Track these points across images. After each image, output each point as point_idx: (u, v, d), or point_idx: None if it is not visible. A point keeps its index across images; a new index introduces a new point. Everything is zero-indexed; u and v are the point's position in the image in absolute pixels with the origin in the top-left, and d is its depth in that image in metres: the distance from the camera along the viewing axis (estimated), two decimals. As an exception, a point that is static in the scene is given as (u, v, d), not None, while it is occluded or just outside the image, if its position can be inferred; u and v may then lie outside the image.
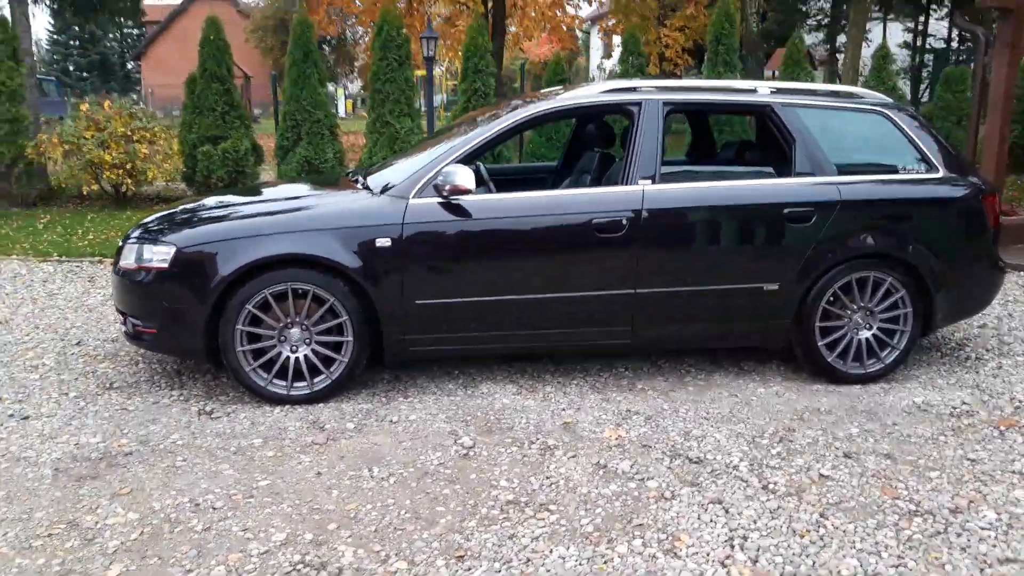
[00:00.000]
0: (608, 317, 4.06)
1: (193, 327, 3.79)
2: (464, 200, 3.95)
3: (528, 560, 2.66)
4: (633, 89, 4.26)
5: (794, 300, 4.16)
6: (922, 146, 4.34)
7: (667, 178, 4.12)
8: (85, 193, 9.14)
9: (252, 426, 3.68)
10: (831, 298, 4.18)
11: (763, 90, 4.42)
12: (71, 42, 52.43)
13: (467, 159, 4.01)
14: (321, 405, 3.91)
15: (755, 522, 2.90)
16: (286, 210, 4.03)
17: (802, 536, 2.81)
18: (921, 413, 3.92)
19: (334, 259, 3.77)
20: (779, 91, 4.41)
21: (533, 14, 14.04)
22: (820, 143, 4.24)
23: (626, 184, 4.06)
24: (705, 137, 5.51)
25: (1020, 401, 4.06)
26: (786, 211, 4.09)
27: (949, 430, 3.71)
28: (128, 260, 3.96)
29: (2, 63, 8.82)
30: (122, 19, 54.69)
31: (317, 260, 3.77)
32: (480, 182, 4.36)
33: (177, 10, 46.63)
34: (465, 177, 3.78)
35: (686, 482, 3.19)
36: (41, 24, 61.54)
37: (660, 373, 4.43)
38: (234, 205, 4.23)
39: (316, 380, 3.91)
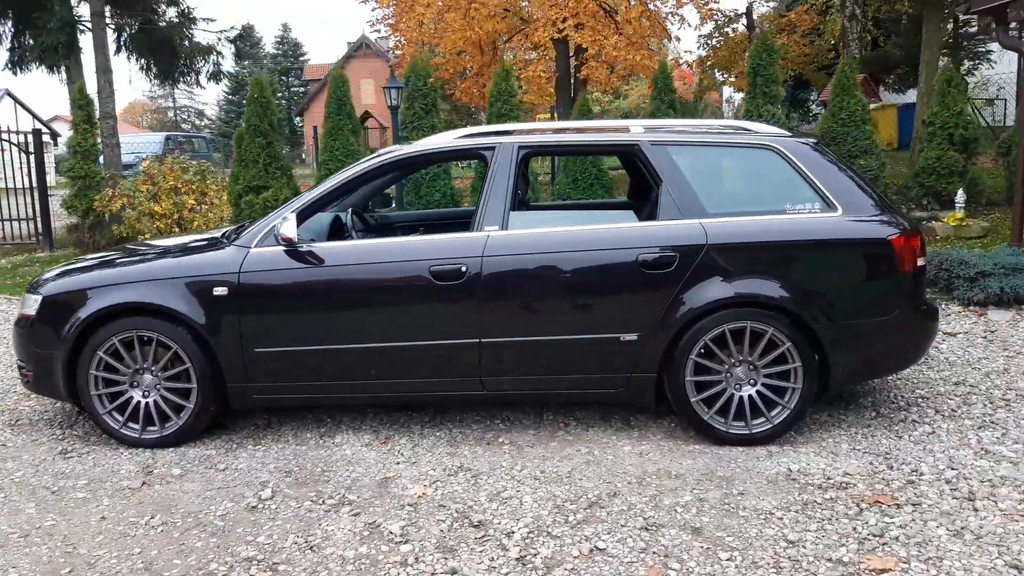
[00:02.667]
0: (455, 366, 3.90)
1: (56, 371, 4.01)
2: (316, 247, 3.96)
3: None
4: (487, 134, 4.12)
5: (658, 351, 3.82)
6: (818, 183, 3.88)
7: (518, 223, 3.93)
8: (148, 241, 10.00)
9: (91, 468, 3.83)
10: (702, 350, 3.80)
11: (636, 129, 4.14)
12: (243, 101, 57.87)
13: (312, 208, 4.03)
14: (169, 450, 4.00)
15: (473, 598, 2.66)
16: (140, 261, 4.20)
17: (508, 618, 2.55)
18: (785, 483, 3.45)
19: (174, 308, 3.87)
20: (652, 129, 4.12)
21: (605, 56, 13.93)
22: (692, 183, 3.91)
23: (475, 230, 3.92)
24: (639, 180, 5.21)
25: (920, 475, 3.48)
26: (640, 256, 3.77)
27: (798, 505, 3.24)
28: (20, 309, 4.27)
29: (78, 126, 9.87)
30: (288, 77, 59.77)
31: (159, 309, 3.90)
32: (339, 230, 4.34)
33: (335, 68, 50.33)
34: (287, 227, 3.79)
35: (443, 548, 2.98)
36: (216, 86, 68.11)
37: (535, 426, 4.18)
38: (113, 257, 4.45)
39: (167, 425, 4.01)
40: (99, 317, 3.92)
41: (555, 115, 16.11)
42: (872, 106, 17.07)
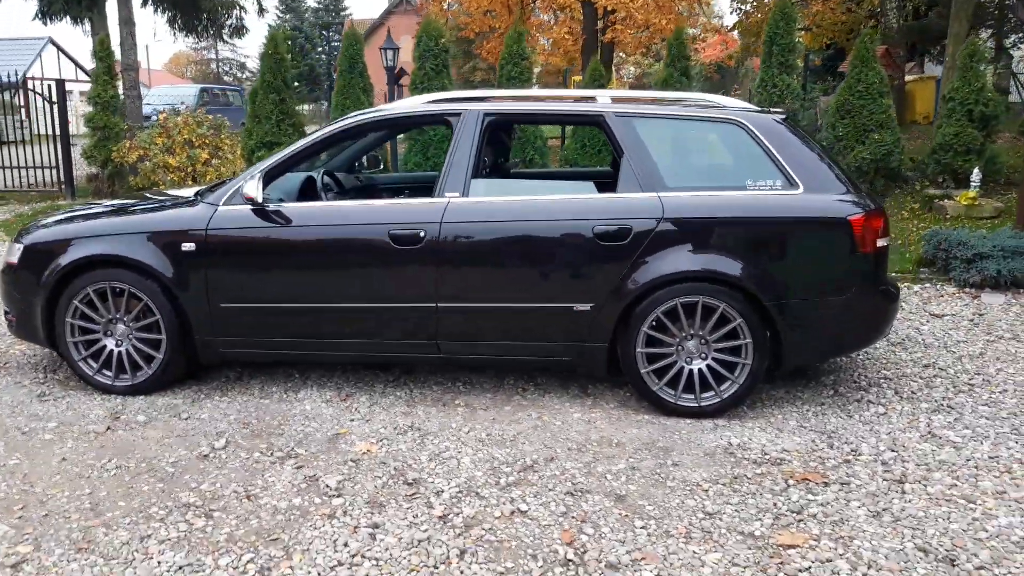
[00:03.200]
0: (412, 329, 3.99)
1: (36, 317, 4.19)
2: (284, 207, 4.06)
3: (137, 560, 2.73)
4: (454, 100, 4.15)
5: (610, 323, 3.86)
6: (781, 160, 3.85)
7: (480, 191, 3.97)
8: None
9: (63, 411, 4.01)
10: (654, 323, 3.84)
11: (602, 99, 4.13)
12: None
13: (279, 168, 4.11)
14: (140, 398, 4.17)
15: (388, 550, 2.78)
16: (117, 214, 4.34)
17: (415, 571, 2.66)
18: (722, 456, 3.50)
19: (144, 261, 4.01)
20: (619, 100, 4.10)
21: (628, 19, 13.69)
22: (653, 156, 3.90)
23: (437, 196, 3.97)
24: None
25: (858, 455, 3.50)
26: (596, 228, 3.80)
27: (727, 478, 3.29)
28: (6, 256, 4.45)
29: (99, 77, 10.06)
30: (329, 32, 59.72)
31: (130, 261, 4.04)
32: (309, 191, 4.42)
33: (375, 24, 50.15)
34: (250, 186, 3.88)
35: (372, 503, 3.10)
36: (259, 39, 68.25)
37: (494, 390, 4.27)
38: (95, 209, 4.60)
39: (138, 374, 4.18)
40: (75, 267, 4.07)
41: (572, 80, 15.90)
42: (909, 78, 16.60)
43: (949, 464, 3.40)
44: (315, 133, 4.18)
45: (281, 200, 4.15)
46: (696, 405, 3.88)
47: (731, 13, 17.51)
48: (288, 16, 60.07)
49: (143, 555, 2.77)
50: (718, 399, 3.87)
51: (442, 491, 3.19)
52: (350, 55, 9.74)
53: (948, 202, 8.46)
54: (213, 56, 70.41)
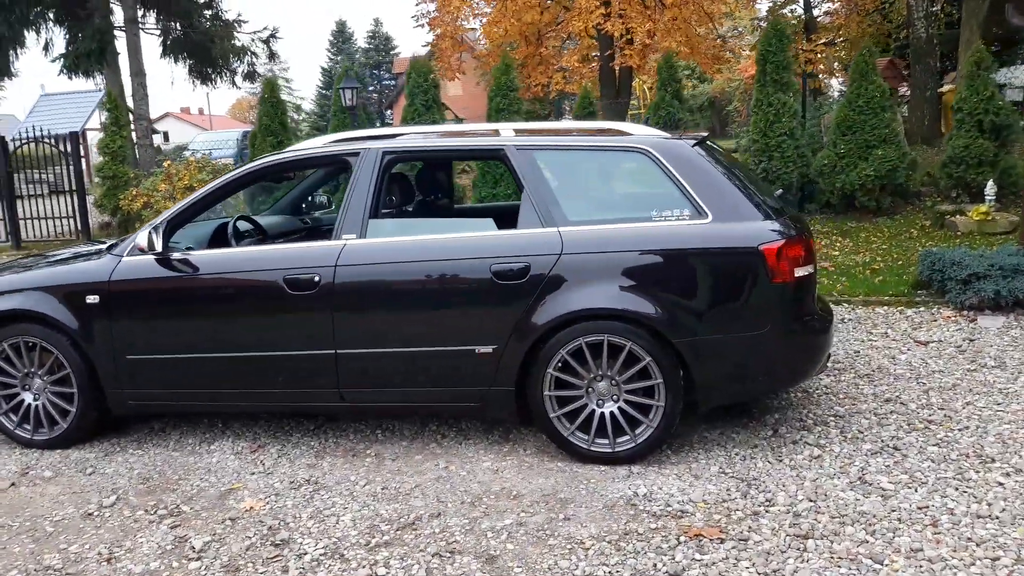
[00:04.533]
0: (314, 378, 3.85)
1: (-42, 373, 4.22)
2: (191, 256, 4.00)
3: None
4: (355, 139, 4.04)
5: (515, 365, 3.66)
6: (688, 188, 3.61)
7: (378, 232, 3.84)
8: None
9: (-23, 467, 4.01)
10: (559, 364, 3.62)
11: (505, 132, 3.97)
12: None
13: (182, 217, 4.05)
14: (57, 451, 4.13)
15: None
16: (28, 269, 4.34)
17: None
18: (622, 509, 3.24)
19: (52, 315, 3.99)
20: (522, 132, 3.94)
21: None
22: (554, 189, 3.71)
23: (333, 239, 3.86)
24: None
25: (771, 506, 3.20)
26: (494, 266, 3.62)
27: (616, 535, 3.03)
28: None
29: (108, 128, 10.38)
30: (380, 70, 61.11)
31: (39, 315, 4.03)
32: (222, 238, 4.34)
33: (420, 60, 51.03)
34: (142, 236, 3.86)
35: (229, 568, 2.94)
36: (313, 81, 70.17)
37: (412, 437, 4.09)
38: (13, 264, 4.63)
39: (55, 428, 4.14)
40: (-11, 323, 4.09)
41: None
42: (943, 88, 15.93)
43: (869, 516, 3.07)
44: (220, 179, 4.13)
45: (190, 248, 4.09)
46: (611, 451, 3.64)
47: (752, 33, 17.13)
48: (339, 57, 61.70)
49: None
50: (633, 444, 3.61)
51: (306, 553, 3.02)
52: (420, 87, 9.66)
53: (960, 218, 7.98)
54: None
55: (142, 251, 3.87)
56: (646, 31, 12.98)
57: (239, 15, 14.56)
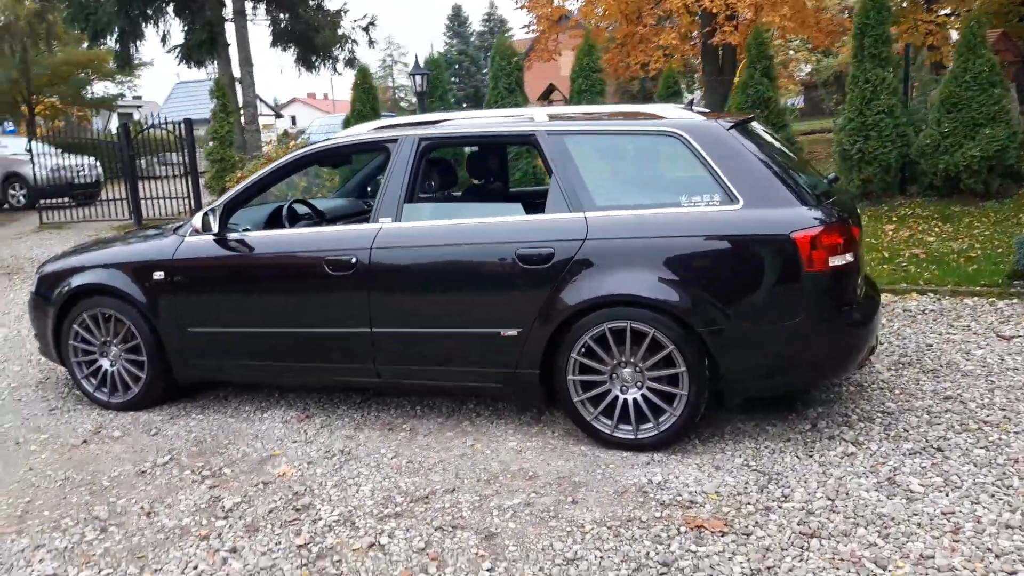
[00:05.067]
0: (352, 354, 4.02)
1: (48, 338, 4.67)
2: (248, 236, 4.25)
3: (17, 567, 2.96)
4: (396, 126, 4.15)
5: (539, 349, 3.69)
6: (720, 172, 3.50)
7: (413, 216, 3.95)
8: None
9: (61, 425, 4.40)
10: (583, 349, 3.63)
11: (540, 117, 3.97)
12: (452, 79, 60.75)
13: (238, 200, 4.29)
14: (130, 413, 4.51)
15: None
16: (106, 246, 4.72)
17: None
18: (632, 496, 3.23)
19: (123, 289, 4.35)
20: (556, 117, 3.92)
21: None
22: (582, 174, 3.69)
23: (372, 222, 4.00)
24: None
25: (785, 501, 3.10)
26: (519, 250, 3.65)
27: (617, 521, 3.03)
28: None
29: (216, 115, 11.03)
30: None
31: (112, 290, 4.39)
32: (273, 220, 4.55)
33: (532, 45, 51.23)
34: (198, 218, 4.13)
35: (250, 528, 3.15)
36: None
37: (450, 414, 4.19)
38: (103, 240, 5.03)
39: (128, 392, 4.52)
40: (71, 296, 4.49)
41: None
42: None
43: (886, 519, 2.93)
44: (270, 165, 4.34)
45: (247, 230, 4.34)
46: (633, 437, 3.62)
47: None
48: (455, 41, 62.54)
49: (25, 563, 3.00)
50: (656, 431, 3.58)
51: (320, 519, 3.19)
52: (506, 71, 9.83)
53: (1078, 203, 7.31)
54: (391, 84, 74.88)
55: (197, 232, 4.15)
56: (749, 4, 12.47)
57: (344, 4, 15.03)
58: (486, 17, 63.61)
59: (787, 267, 3.39)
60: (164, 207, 12.41)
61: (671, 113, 3.81)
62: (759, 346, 3.46)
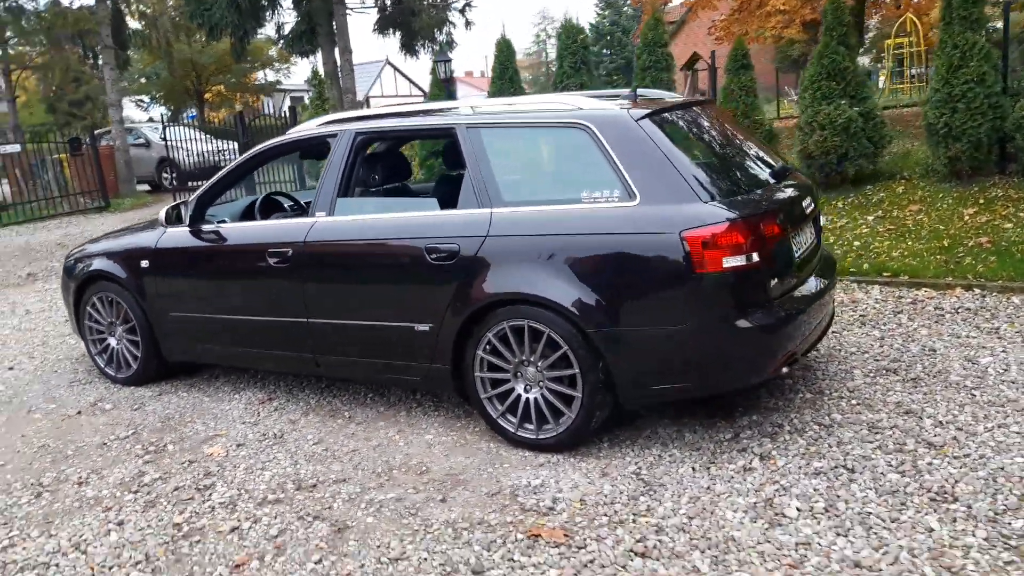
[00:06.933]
0: (295, 344, 4.21)
1: (72, 318, 5.23)
2: (222, 228, 4.54)
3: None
4: (341, 120, 4.24)
5: (449, 344, 3.70)
6: (623, 168, 3.33)
7: (344, 210, 4.05)
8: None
9: (72, 396, 4.92)
10: (488, 347, 3.60)
11: (464, 110, 3.92)
12: (604, 51, 60.13)
13: (210, 194, 4.57)
14: (131, 388, 4.96)
15: (105, 546, 3.09)
16: (115, 236, 5.17)
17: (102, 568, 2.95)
18: (501, 498, 3.20)
19: (119, 276, 4.78)
20: (477, 110, 3.86)
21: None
22: (493, 169, 3.63)
23: (310, 215, 4.14)
24: None
25: (645, 514, 2.97)
26: (427, 246, 3.66)
27: (465, 524, 3.02)
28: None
29: (313, 101, 11.62)
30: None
31: (112, 276, 4.84)
32: (246, 214, 4.81)
33: (688, 10, 49.66)
34: (162, 211, 4.45)
35: (148, 503, 3.41)
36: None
37: (394, 404, 4.31)
38: (122, 229, 5.52)
39: (128, 369, 4.97)
40: (83, 280, 5.00)
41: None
42: None
43: (732, 544, 2.73)
44: (235, 162, 4.59)
45: (222, 221, 4.63)
46: (534, 437, 3.57)
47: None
48: (606, 12, 61.64)
49: (-38, 517, 3.44)
50: (555, 432, 3.52)
51: (209, 500, 3.41)
52: (501, 61, 9.91)
53: None
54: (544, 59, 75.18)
55: (162, 224, 4.50)
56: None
57: (450, -13, 15.41)
58: (634, -16, 61.93)
59: (677, 268, 3.19)
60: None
61: (588, 103, 3.65)
62: (649, 351, 3.29)
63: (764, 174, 3.76)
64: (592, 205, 3.38)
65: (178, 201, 4.77)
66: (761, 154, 4.02)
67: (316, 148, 4.37)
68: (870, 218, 7.30)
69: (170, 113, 32.87)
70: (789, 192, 3.73)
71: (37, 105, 37.37)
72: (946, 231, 6.52)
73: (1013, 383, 3.86)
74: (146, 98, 37.07)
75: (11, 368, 5.61)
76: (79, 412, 4.65)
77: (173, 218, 4.71)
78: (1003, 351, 4.30)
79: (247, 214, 4.84)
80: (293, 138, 4.46)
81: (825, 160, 8.12)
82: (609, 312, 3.30)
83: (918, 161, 8.44)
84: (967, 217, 6.75)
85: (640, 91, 4.05)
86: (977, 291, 5.34)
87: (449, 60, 10.26)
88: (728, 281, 3.17)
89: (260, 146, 4.55)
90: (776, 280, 3.35)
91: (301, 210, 5.03)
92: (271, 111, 16.52)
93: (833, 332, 4.88)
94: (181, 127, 15.53)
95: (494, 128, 3.74)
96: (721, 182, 3.40)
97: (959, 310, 5.05)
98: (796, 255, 3.56)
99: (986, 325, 4.72)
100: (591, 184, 3.42)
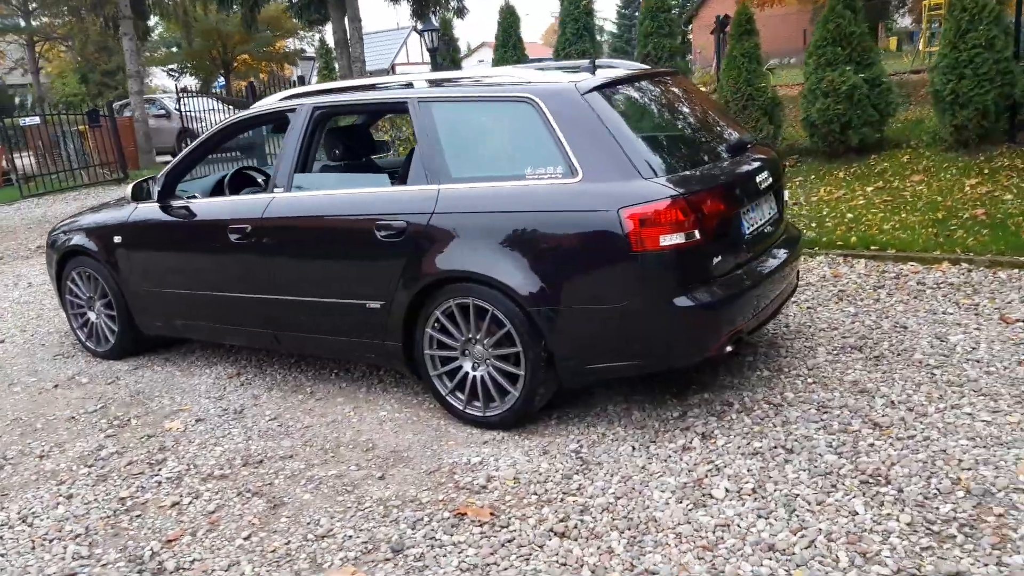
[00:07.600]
0: (257, 318, 4.24)
1: (56, 291, 5.33)
2: (192, 204, 4.57)
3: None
4: (297, 95, 4.21)
5: (399, 322, 3.70)
6: (566, 144, 3.27)
7: (301, 186, 4.04)
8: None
9: (52, 371, 5.02)
10: (436, 324, 3.60)
11: (420, 84, 3.87)
12: (634, 14, 58.96)
13: (177, 170, 4.59)
14: (108, 361, 5.06)
15: (53, 520, 3.17)
16: (94, 212, 5.23)
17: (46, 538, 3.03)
18: (438, 476, 3.21)
19: (95, 251, 4.85)
20: (433, 83, 3.81)
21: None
22: (443, 144, 3.59)
23: (268, 192, 4.15)
24: None
25: (575, 494, 2.96)
26: (377, 223, 3.65)
27: (396, 501, 3.04)
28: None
29: (321, 71, 11.59)
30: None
31: (88, 251, 4.91)
32: (223, 187, 4.83)
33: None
34: (128, 187, 4.48)
35: (100, 476, 3.49)
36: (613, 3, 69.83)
37: (357, 380, 4.33)
38: (92, 208, 5.57)
39: (107, 343, 5.06)
40: (64, 254, 5.09)
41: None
42: None
43: (652, 524, 2.71)
44: (201, 137, 4.60)
45: (193, 196, 4.66)
46: (481, 415, 3.58)
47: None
48: (631, -24, 60.35)
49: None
50: (499, 410, 3.51)
51: (158, 475, 3.47)
52: (504, 27, 9.76)
53: None
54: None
55: (130, 201, 4.54)
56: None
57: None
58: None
59: (616, 246, 3.13)
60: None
61: (537, 76, 3.58)
62: (588, 330, 3.26)
63: (719, 148, 3.67)
64: (535, 182, 3.33)
65: (145, 177, 4.81)
66: (721, 127, 3.92)
67: (279, 122, 4.36)
68: (869, 189, 7.12)
69: (199, 83, 33.06)
70: (744, 167, 3.64)
71: (71, 75, 37.82)
72: (943, 203, 6.33)
73: (978, 362, 3.76)
74: (175, 68, 37.32)
75: (2, 341, 5.75)
76: (56, 385, 4.75)
77: (141, 194, 4.74)
78: (976, 328, 4.18)
79: (219, 189, 4.87)
80: (254, 113, 4.45)
81: (828, 129, 7.92)
82: (550, 291, 3.27)
83: (925, 130, 8.19)
84: (968, 188, 6.54)
85: (605, 62, 3.97)
86: (964, 265, 5.19)
87: (436, 29, 10.10)
88: (667, 259, 3.12)
89: (223, 121, 4.55)
90: (720, 257, 3.28)
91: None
92: (295, 80, 16.51)
93: (808, 308, 4.79)
94: (198, 98, 15.58)
95: (444, 103, 3.69)
96: (668, 158, 3.33)
97: (941, 285, 4.92)
98: (747, 231, 3.49)
99: (966, 301, 4.60)
100: (536, 160, 3.37)
